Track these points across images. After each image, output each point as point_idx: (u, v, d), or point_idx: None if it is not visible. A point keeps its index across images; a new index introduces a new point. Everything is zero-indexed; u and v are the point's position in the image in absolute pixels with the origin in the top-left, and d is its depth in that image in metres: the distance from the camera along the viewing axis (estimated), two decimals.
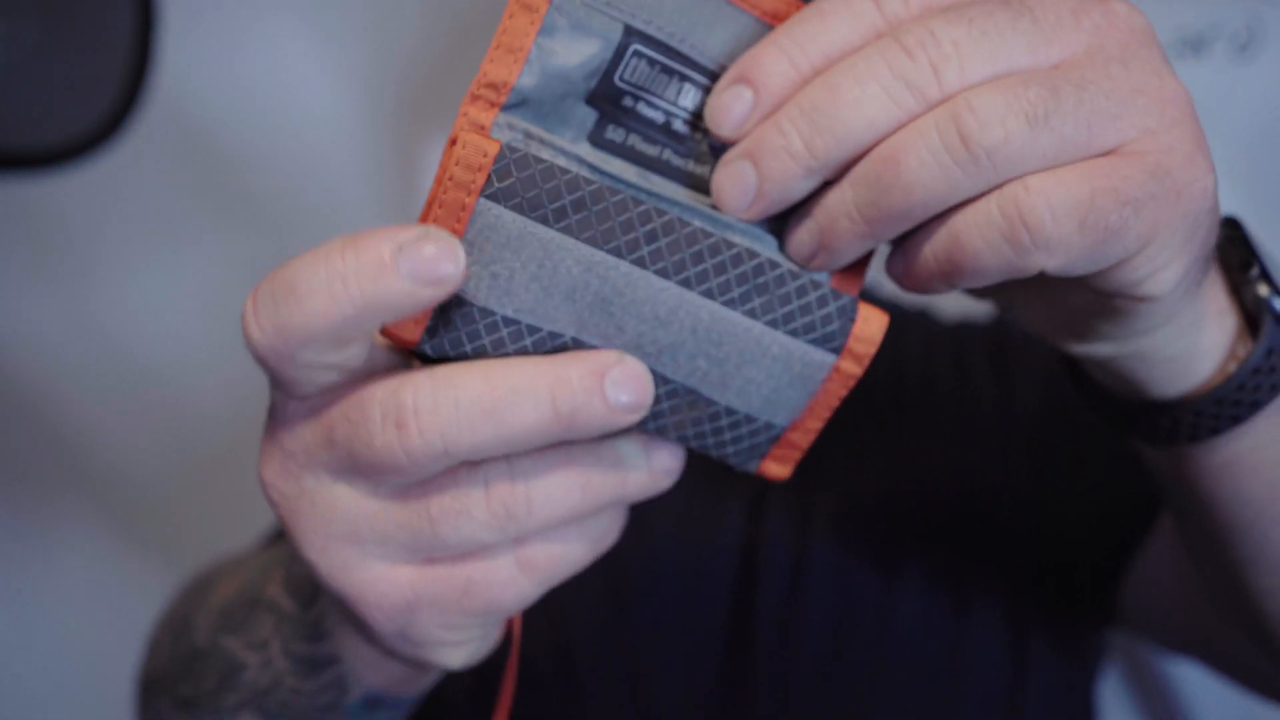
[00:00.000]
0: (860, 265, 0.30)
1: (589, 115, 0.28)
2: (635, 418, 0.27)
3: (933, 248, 0.27)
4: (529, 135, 0.28)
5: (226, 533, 0.74)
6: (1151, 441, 0.35)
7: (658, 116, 0.28)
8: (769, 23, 0.28)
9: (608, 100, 0.28)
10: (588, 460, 0.28)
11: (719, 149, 0.29)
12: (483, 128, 0.27)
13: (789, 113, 0.26)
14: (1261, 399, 0.33)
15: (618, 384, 0.27)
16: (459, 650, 0.30)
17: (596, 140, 0.28)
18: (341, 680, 0.38)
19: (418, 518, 0.27)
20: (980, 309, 0.67)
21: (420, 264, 0.24)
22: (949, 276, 0.27)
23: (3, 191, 0.86)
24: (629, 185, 0.29)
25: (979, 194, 0.26)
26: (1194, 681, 0.69)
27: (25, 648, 0.93)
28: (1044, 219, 0.25)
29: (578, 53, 0.27)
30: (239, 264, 0.94)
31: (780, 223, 0.29)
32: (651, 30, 0.28)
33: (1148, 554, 0.52)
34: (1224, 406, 0.33)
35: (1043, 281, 0.32)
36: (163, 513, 0.94)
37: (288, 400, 0.28)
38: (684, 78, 0.28)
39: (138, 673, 0.49)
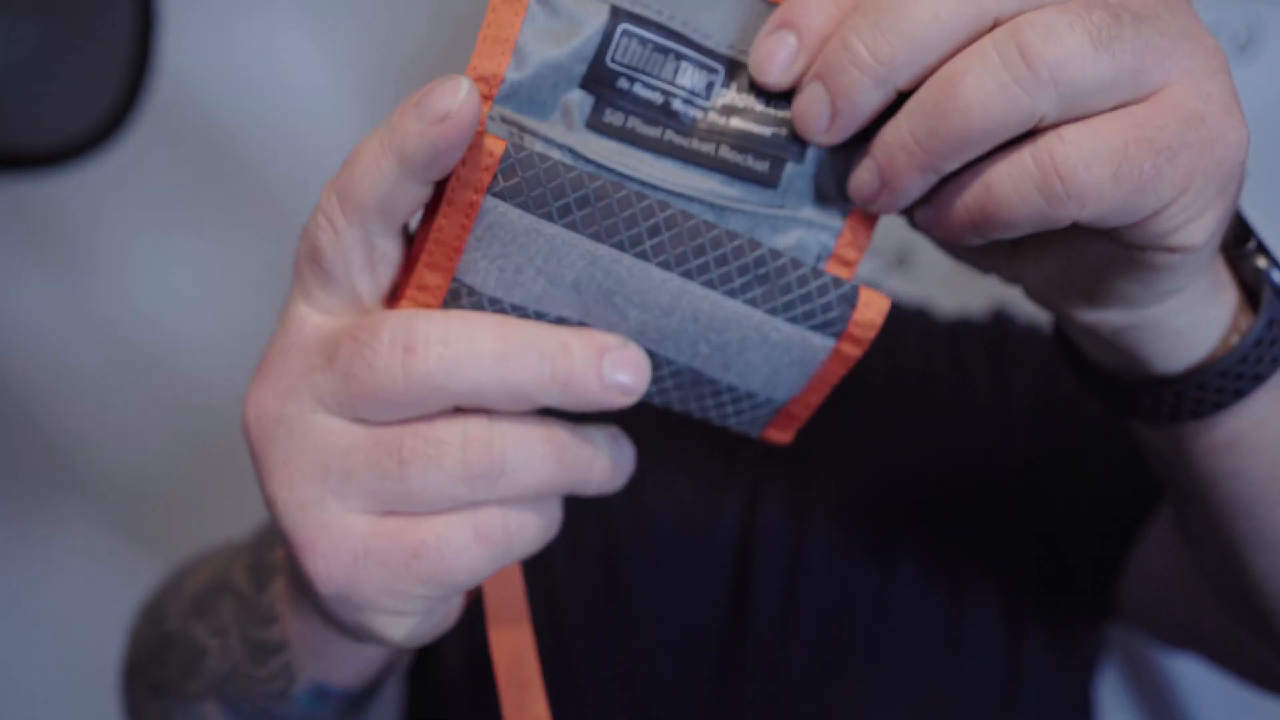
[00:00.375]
0: (870, 222, 0.30)
1: (585, 100, 0.28)
2: (626, 400, 0.28)
3: (965, 198, 0.27)
4: (522, 128, 0.28)
5: (227, 529, 0.74)
6: (1153, 420, 0.35)
7: (655, 97, 0.28)
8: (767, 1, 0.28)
9: (602, 83, 0.28)
10: (566, 437, 0.28)
11: (721, 128, 0.29)
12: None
13: (851, 23, 0.26)
14: (1264, 371, 0.33)
15: (616, 364, 0.27)
16: (401, 622, 0.29)
17: (595, 125, 0.28)
18: (289, 668, 0.38)
19: (388, 457, 0.27)
20: (978, 307, 0.67)
21: (428, 106, 0.25)
22: (980, 227, 0.27)
23: (3, 191, 0.86)
24: (629, 179, 0.29)
25: (1035, 124, 0.25)
26: (1193, 677, 0.69)
27: (24, 645, 0.93)
28: (1077, 168, 0.25)
29: (565, 38, 0.27)
30: (239, 263, 0.93)
31: (795, 200, 0.30)
32: (639, 9, 0.28)
33: (1145, 547, 0.52)
34: (1227, 380, 0.33)
35: (1070, 238, 0.31)
36: (164, 509, 0.94)
37: (310, 305, 0.29)
38: (680, 56, 0.28)
39: (120, 659, 0.49)
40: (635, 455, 0.30)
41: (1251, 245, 0.33)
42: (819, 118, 0.27)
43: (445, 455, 0.27)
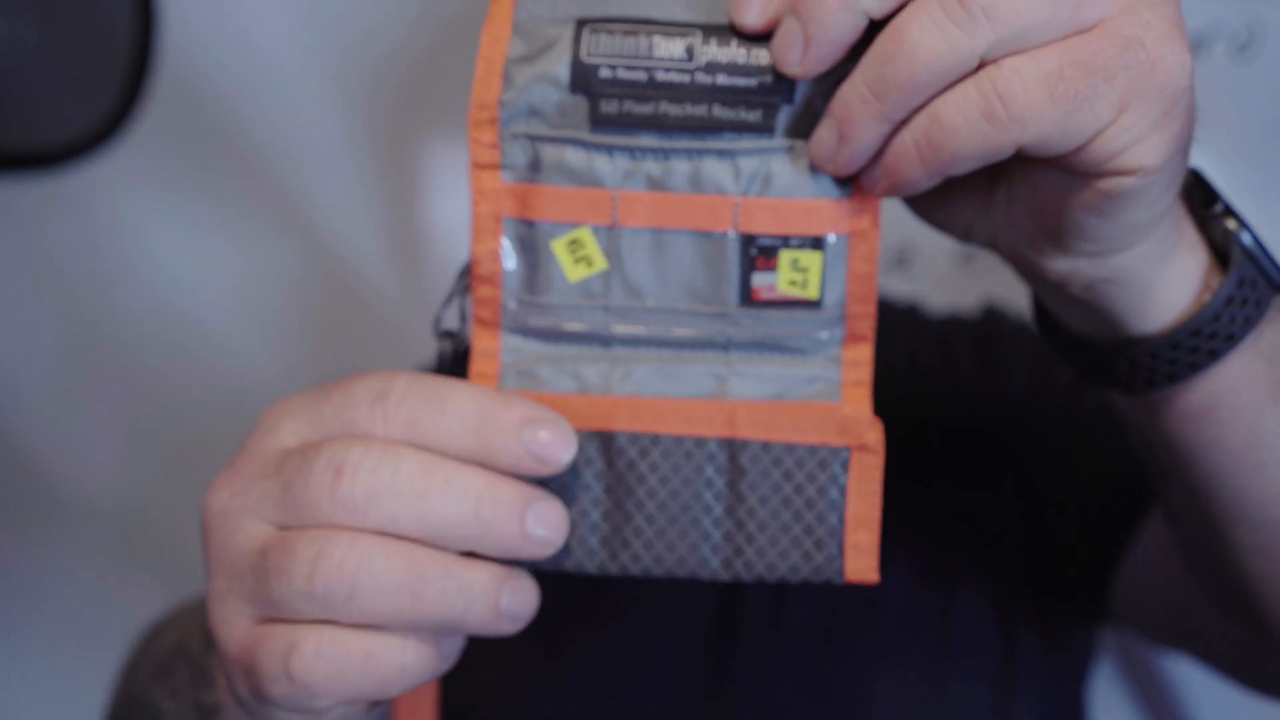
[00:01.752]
0: (873, 201, 0.32)
1: (580, 102, 0.31)
2: (544, 552, 0.29)
3: (914, 134, 0.28)
4: (532, 137, 0.32)
5: None
6: (1130, 387, 0.35)
7: (639, 76, 0.31)
8: None
9: (587, 79, 0.31)
10: (434, 571, 0.29)
11: (709, 86, 0.31)
12: (492, 145, 0.32)
13: None
14: (1236, 332, 0.33)
15: (538, 517, 0.29)
16: (292, 717, 0.30)
17: (596, 119, 0.31)
18: None
19: (261, 566, 0.28)
20: (968, 303, 0.67)
21: (538, 450, 0.29)
22: (930, 163, 0.29)
23: (3, 191, 0.86)
24: (643, 150, 0.32)
25: (977, 65, 0.27)
26: (1189, 677, 0.69)
27: (19, 650, 0.93)
28: (1016, 90, 0.27)
29: (543, 54, 0.31)
30: (239, 263, 0.93)
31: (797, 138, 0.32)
32: (600, 14, 0.31)
33: (1139, 547, 0.52)
34: (1200, 339, 0.33)
35: (1030, 176, 0.32)
36: (158, 513, 0.94)
37: (293, 422, 0.30)
38: (650, 33, 0.31)
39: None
40: (535, 602, 0.31)
41: (1219, 207, 0.34)
42: (793, 47, 0.29)
43: (296, 570, 0.28)
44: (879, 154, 0.30)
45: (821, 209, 0.31)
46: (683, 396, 0.32)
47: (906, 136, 0.29)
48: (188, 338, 0.92)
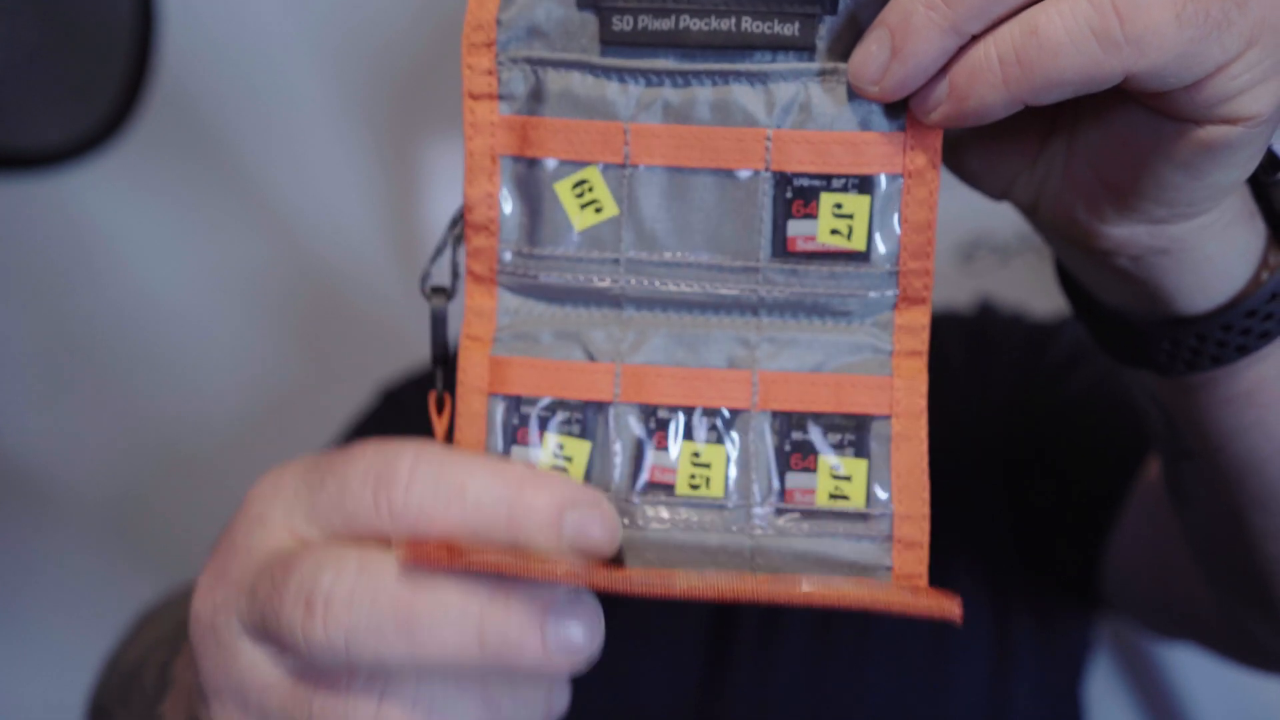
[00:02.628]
0: (933, 135, 0.27)
1: (589, 20, 0.27)
2: (580, 660, 0.24)
3: (999, 48, 0.24)
4: (533, 62, 0.28)
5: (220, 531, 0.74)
6: (1169, 368, 0.32)
7: None
8: None
9: None
10: (505, 698, 0.25)
11: None
12: (489, 71, 0.28)
13: None
14: None
15: (562, 623, 0.24)
16: None
17: (606, 39, 0.27)
18: None
19: (299, 708, 0.24)
20: (963, 300, 0.66)
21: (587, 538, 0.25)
22: (1015, 86, 0.24)
23: (3, 191, 0.86)
24: (659, 73, 0.27)
25: None
26: (1186, 671, 0.69)
27: (14, 656, 0.92)
28: (1138, 5, 0.22)
29: None
30: (239, 264, 0.93)
31: (842, 59, 0.27)
32: None
33: (1123, 526, 0.51)
34: (1255, 320, 0.30)
35: (1110, 117, 0.28)
36: (158, 513, 0.94)
37: (285, 515, 0.26)
38: None
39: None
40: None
41: None
42: None
43: (297, 713, 0.24)
44: (936, 75, 0.25)
45: (871, 144, 0.27)
46: (704, 367, 0.28)
47: (989, 50, 0.24)
48: (185, 336, 0.92)
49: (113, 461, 0.92)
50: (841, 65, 0.27)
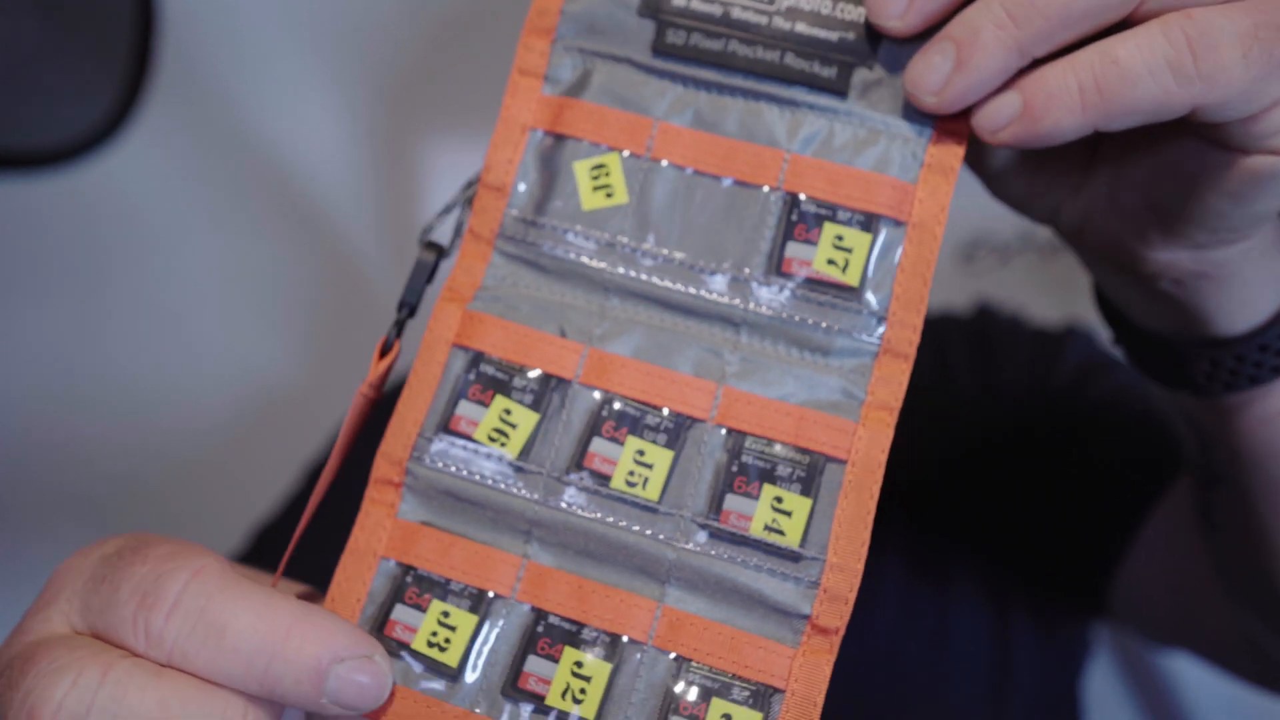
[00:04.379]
0: (960, 129, 0.28)
1: (646, 26, 0.29)
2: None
3: (1079, 74, 0.25)
4: (586, 52, 0.29)
5: (219, 536, 0.74)
6: (1206, 389, 0.33)
7: (714, 9, 0.29)
8: None
9: (658, 4, 0.29)
10: None
11: (787, 32, 0.28)
12: (542, 53, 0.29)
13: None
14: None
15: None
16: None
17: (659, 49, 0.29)
18: None
19: None
20: (961, 301, 0.66)
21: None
22: (1092, 112, 0.25)
23: (3, 191, 0.86)
24: (698, 81, 0.29)
25: (1133, 10, 0.25)
26: (1185, 673, 0.69)
27: None
28: (1210, 45, 0.24)
29: None
30: (239, 264, 0.94)
31: (868, 108, 0.28)
32: None
33: (1142, 546, 0.51)
34: None
35: (1162, 145, 0.30)
36: (157, 513, 0.94)
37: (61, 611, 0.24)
38: None
39: None
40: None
41: None
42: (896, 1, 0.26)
43: None
44: (997, 92, 0.26)
45: (882, 186, 0.28)
46: (672, 369, 0.28)
47: (1068, 76, 0.25)
48: (185, 335, 0.92)
49: (113, 461, 0.92)
50: (870, 113, 0.28)
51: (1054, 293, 0.85)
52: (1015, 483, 0.56)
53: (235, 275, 0.93)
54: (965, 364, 0.60)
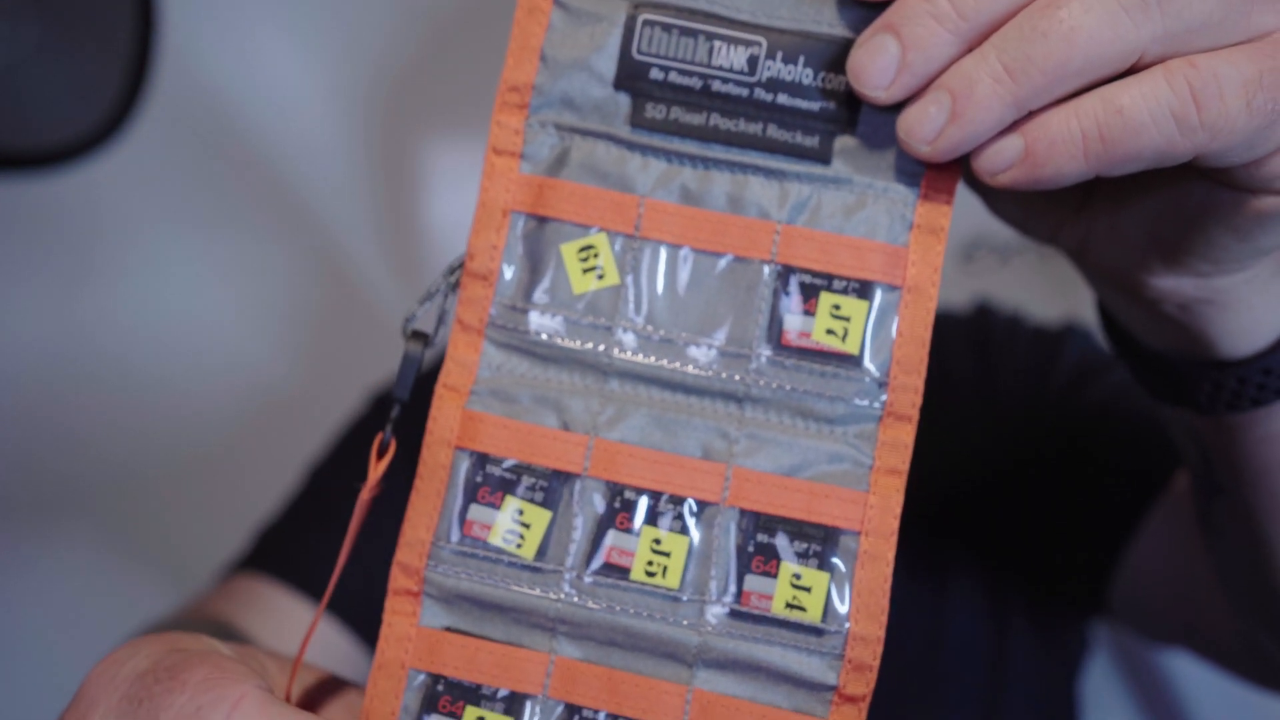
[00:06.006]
0: (948, 184, 0.28)
1: (623, 100, 0.28)
2: None
3: (1083, 123, 0.25)
4: (563, 128, 0.28)
5: (219, 536, 0.74)
6: (1209, 408, 0.33)
7: (694, 83, 0.28)
8: None
9: (635, 78, 0.28)
10: None
11: (768, 104, 0.28)
12: (516, 131, 0.28)
13: None
14: None
15: None
16: None
17: (639, 123, 0.28)
18: None
19: None
20: (960, 300, 0.66)
21: None
22: (1095, 159, 0.25)
23: (3, 191, 0.86)
24: (681, 155, 0.28)
25: (1134, 63, 0.24)
26: (1183, 672, 0.69)
27: (14, 657, 0.93)
28: (1213, 95, 0.24)
29: (589, 39, 0.28)
30: (238, 264, 0.94)
31: (852, 172, 0.28)
32: None
33: (1141, 545, 0.51)
34: None
35: (1168, 182, 0.29)
36: (157, 513, 0.94)
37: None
38: (712, 36, 0.28)
39: None
40: None
41: None
42: (883, 70, 0.25)
43: None
44: (1000, 135, 0.26)
45: (873, 252, 0.28)
46: (679, 454, 0.28)
47: (1072, 123, 0.25)
48: (183, 337, 0.92)
49: (110, 462, 0.92)
50: (858, 177, 0.28)
51: (1054, 292, 0.85)
52: (1013, 481, 0.56)
53: (234, 275, 0.93)
54: (964, 363, 0.60)
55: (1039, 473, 0.56)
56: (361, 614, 0.50)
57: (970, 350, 0.60)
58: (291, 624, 0.51)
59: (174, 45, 0.84)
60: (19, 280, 0.90)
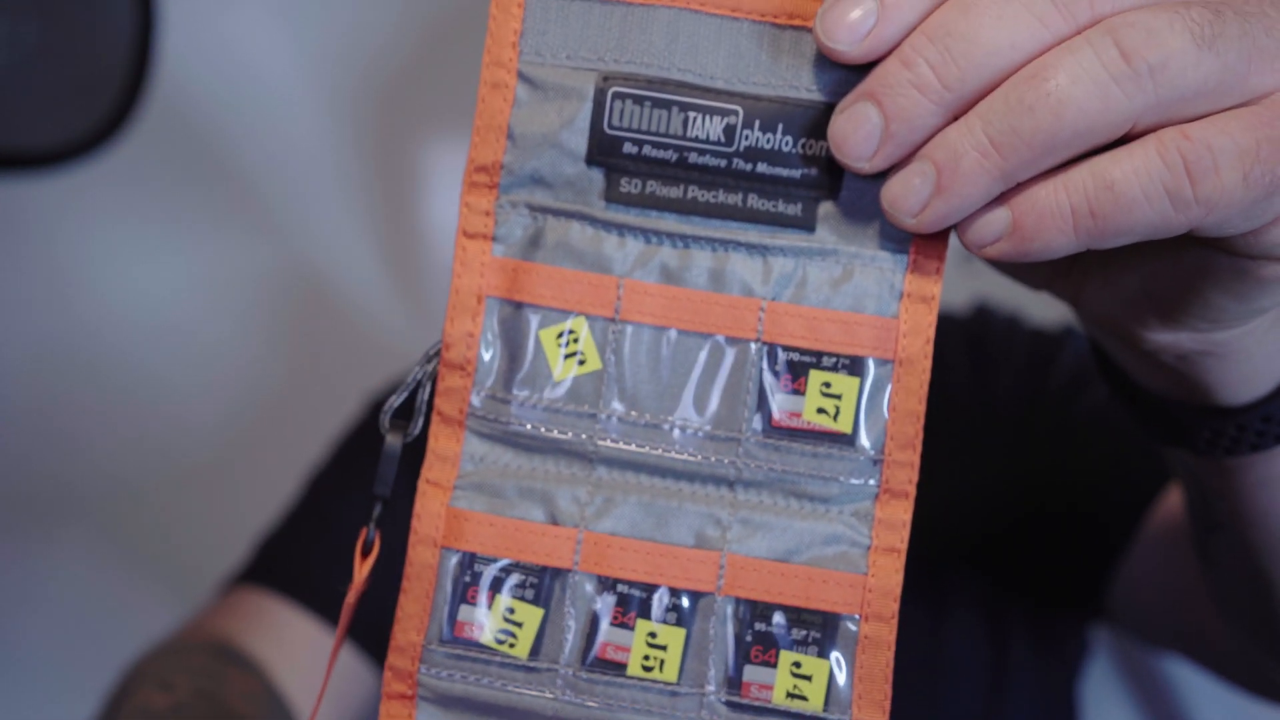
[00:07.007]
0: (938, 249, 0.27)
1: (596, 176, 0.27)
2: None
3: (1072, 198, 0.24)
4: (535, 208, 0.27)
5: (217, 539, 0.74)
6: (1208, 453, 0.33)
7: (669, 155, 0.27)
8: (775, 23, 0.26)
9: (608, 153, 0.27)
10: None
11: (747, 173, 0.27)
12: (486, 213, 0.27)
13: (914, 42, 0.23)
14: None
15: None
16: None
17: (613, 198, 0.27)
18: None
19: None
20: (959, 301, 0.66)
21: None
22: (1085, 234, 0.24)
23: (3, 191, 0.86)
24: (660, 233, 0.27)
25: (1127, 131, 0.23)
26: (1182, 676, 0.69)
27: (13, 662, 0.92)
28: (1208, 169, 0.23)
29: (558, 115, 0.27)
30: (238, 265, 0.93)
31: (837, 239, 0.27)
32: (630, 68, 0.26)
33: (1138, 550, 0.51)
34: None
35: (1163, 248, 0.29)
36: (154, 516, 0.94)
37: None
38: (686, 107, 0.27)
39: None
40: None
41: None
42: (866, 141, 0.24)
43: None
44: (988, 207, 0.25)
45: (863, 326, 0.27)
46: (671, 543, 0.27)
47: (1061, 197, 0.24)
48: (180, 340, 0.92)
49: (106, 466, 0.92)
50: (841, 246, 0.27)
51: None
52: (1012, 483, 0.56)
53: (229, 280, 0.93)
54: (963, 364, 0.60)
55: (1037, 474, 0.56)
56: (363, 628, 0.50)
57: (968, 351, 0.60)
58: (297, 640, 0.51)
59: (174, 46, 0.84)
60: (16, 281, 0.90)
